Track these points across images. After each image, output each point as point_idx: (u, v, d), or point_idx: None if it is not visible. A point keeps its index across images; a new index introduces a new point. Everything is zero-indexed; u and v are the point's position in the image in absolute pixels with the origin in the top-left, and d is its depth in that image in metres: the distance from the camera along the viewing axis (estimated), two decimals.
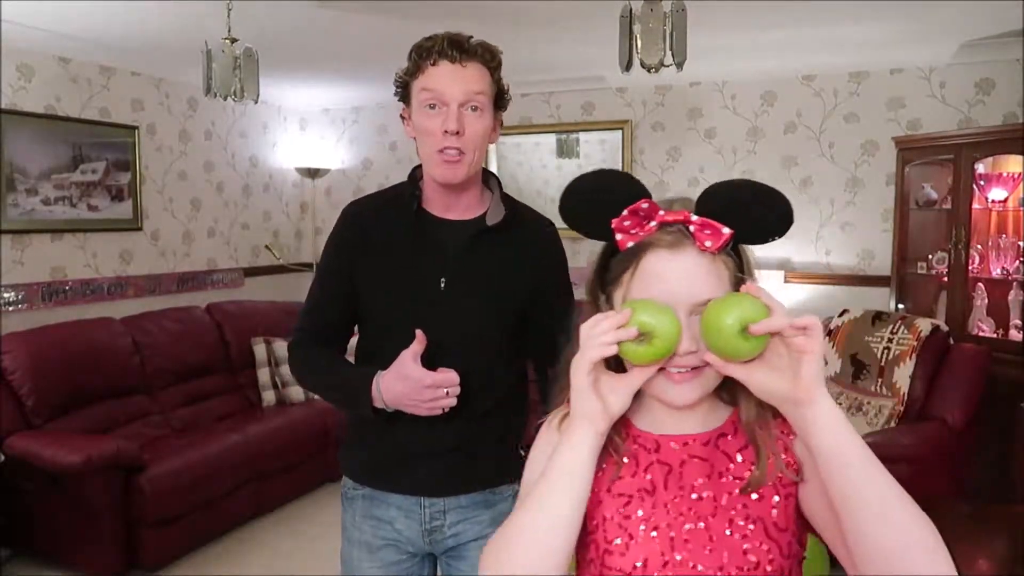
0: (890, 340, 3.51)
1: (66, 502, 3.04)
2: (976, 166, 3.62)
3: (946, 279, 3.77)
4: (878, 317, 3.64)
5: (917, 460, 3.02)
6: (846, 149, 4.38)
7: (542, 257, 1.50)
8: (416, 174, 1.47)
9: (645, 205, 0.87)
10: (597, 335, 0.82)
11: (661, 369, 0.86)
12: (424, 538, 1.48)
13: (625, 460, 0.93)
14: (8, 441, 3.11)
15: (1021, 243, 3.54)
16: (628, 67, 2.35)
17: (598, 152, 4.87)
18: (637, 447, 0.94)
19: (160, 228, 4.59)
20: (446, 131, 1.32)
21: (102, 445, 3.07)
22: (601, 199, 0.89)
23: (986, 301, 3.66)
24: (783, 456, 0.90)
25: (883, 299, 4.13)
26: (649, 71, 2.33)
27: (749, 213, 0.87)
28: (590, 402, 0.84)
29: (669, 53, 2.29)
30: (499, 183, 1.51)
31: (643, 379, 0.86)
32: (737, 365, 0.82)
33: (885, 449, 3.02)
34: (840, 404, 3.45)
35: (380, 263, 1.43)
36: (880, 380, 3.47)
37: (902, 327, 3.51)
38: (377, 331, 1.47)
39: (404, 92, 1.41)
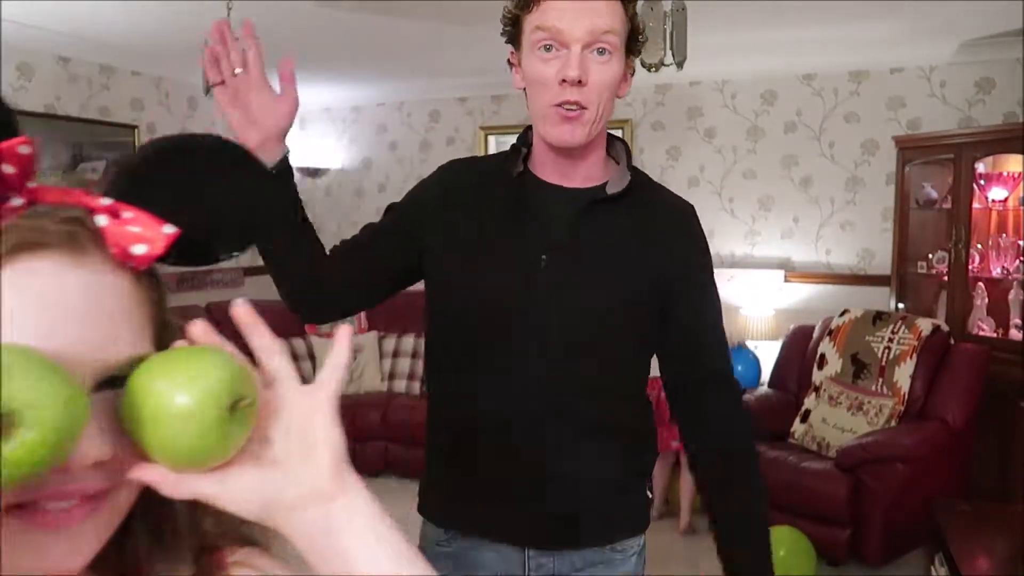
0: (891, 340, 3.51)
1: None
2: (976, 165, 3.62)
3: (946, 279, 3.77)
4: (879, 317, 3.64)
5: (917, 460, 3.02)
6: (846, 149, 4.37)
7: (677, 241, 1.17)
8: (528, 136, 1.18)
9: (25, 149, 0.45)
10: None
11: (19, 506, 0.41)
12: None
13: None
14: None
15: (1021, 243, 3.54)
16: None
17: None
18: None
19: None
20: (564, 80, 1.03)
21: None
22: None
23: (986, 301, 3.66)
24: None
25: (883, 299, 4.13)
26: (649, 70, 2.33)
27: (201, 199, 0.51)
28: None
29: (669, 52, 2.30)
30: (628, 151, 1.20)
31: None
32: (200, 476, 0.45)
33: (885, 449, 3.04)
34: (840, 404, 3.46)
35: (466, 225, 1.15)
36: (881, 380, 3.47)
37: (903, 327, 3.51)
38: (454, 316, 1.16)
39: (513, 31, 1.11)
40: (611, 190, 1.14)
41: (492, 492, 1.14)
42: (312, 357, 4.41)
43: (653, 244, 1.15)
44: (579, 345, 1.11)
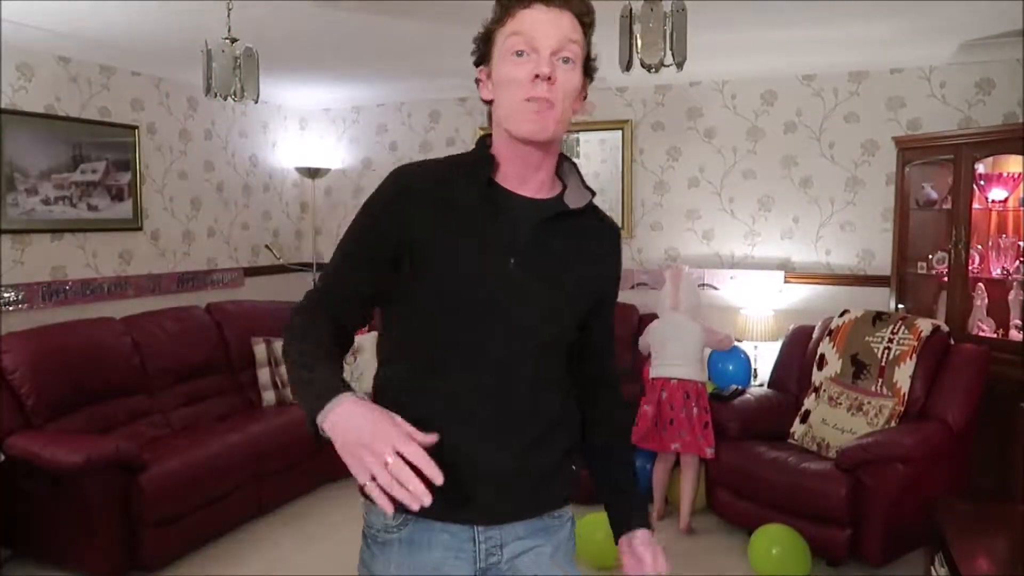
0: (891, 340, 3.51)
1: (66, 502, 3.04)
2: (976, 166, 3.62)
3: (946, 279, 3.77)
4: (879, 317, 3.64)
5: (917, 460, 3.02)
6: (846, 149, 4.38)
7: (615, 264, 1.38)
8: (486, 142, 1.28)
9: None
10: None
11: None
12: None
13: None
14: (8, 441, 3.10)
15: (1021, 243, 3.54)
16: (628, 67, 2.35)
17: (598, 152, 4.87)
18: None
19: (160, 228, 4.59)
20: (537, 76, 1.15)
21: (102, 445, 3.07)
22: None
23: (986, 301, 3.66)
24: None
25: (883, 299, 4.13)
26: (649, 71, 2.33)
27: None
28: None
29: (669, 53, 2.29)
30: (577, 169, 1.34)
31: None
32: None
33: (885, 449, 3.04)
34: (840, 404, 3.46)
35: (444, 223, 1.21)
36: (881, 380, 3.47)
37: (903, 327, 3.51)
38: (431, 313, 1.22)
39: (485, 46, 1.24)
40: (573, 204, 1.28)
41: (457, 477, 1.16)
42: None
43: (597, 258, 1.32)
44: (545, 342, 1.26)
